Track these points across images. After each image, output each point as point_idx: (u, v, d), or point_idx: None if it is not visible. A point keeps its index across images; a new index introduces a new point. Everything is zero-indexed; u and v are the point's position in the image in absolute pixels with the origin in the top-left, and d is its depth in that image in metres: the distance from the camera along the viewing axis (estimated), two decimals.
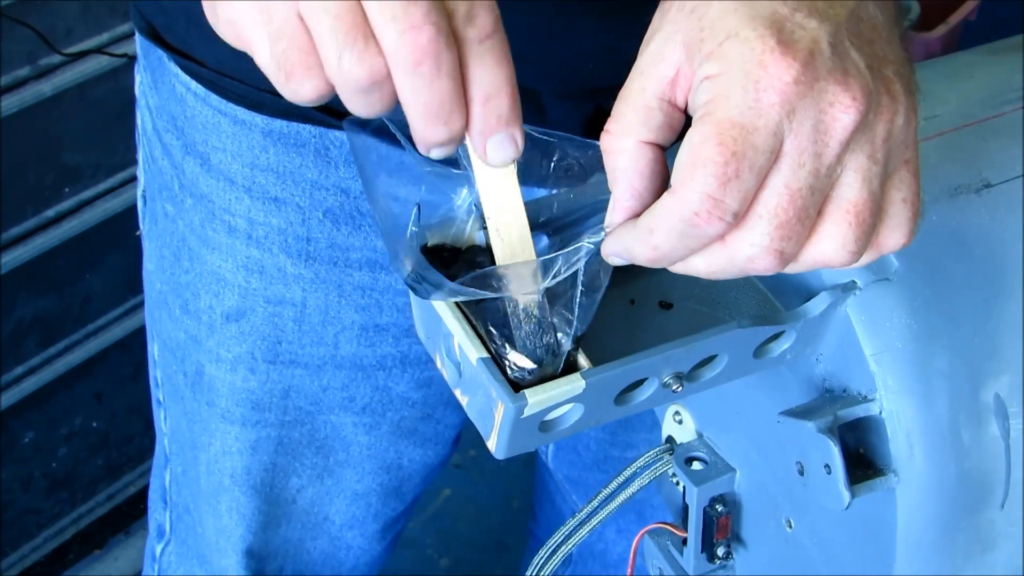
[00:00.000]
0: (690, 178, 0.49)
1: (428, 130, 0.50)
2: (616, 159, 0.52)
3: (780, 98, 0.48)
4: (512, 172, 0.55)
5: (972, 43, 0.79)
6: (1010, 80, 0.71)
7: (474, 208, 0.60)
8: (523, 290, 0.56)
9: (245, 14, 0.50)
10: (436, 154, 0.51)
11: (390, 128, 0.55)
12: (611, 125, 0.52)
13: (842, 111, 0.49)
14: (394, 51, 0.48)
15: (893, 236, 0.53)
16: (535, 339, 0.57)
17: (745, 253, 0.50)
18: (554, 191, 0.60)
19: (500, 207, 0.56)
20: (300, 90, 0.50)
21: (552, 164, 0.58)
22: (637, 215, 0.52)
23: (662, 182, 0.52)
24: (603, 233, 0.54)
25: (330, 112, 0.82)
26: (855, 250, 0.51)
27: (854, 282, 0.61)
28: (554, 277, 0.56)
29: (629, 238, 0.52)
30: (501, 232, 0.56)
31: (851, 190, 0.50)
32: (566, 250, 0.55)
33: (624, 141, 0.52)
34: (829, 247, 0.51)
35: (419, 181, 0.59)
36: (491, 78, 0.49)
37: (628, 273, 0.67)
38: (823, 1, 0.50)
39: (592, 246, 0.55)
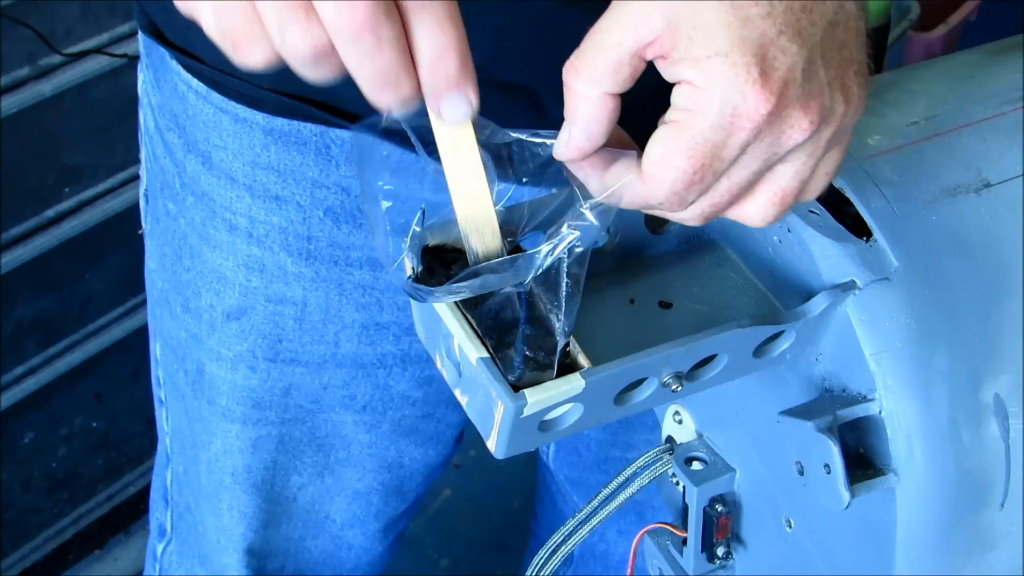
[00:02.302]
0: (662, 178, 0.53)
1: (377, 95, 0.51)
2: (579, 103, 0.54)
3: (752, 126, 0.52)
4: (471, 136, 0.55)
5: (972, 43, 0.79)
6: (1010, 80, 0.71)
7: None
8: (513, 282, 0.57)
9: None
10: (396, 113, 0.52)
11: (402, 128, 0.55)
12: (581, 68, 0.54)
13: (798, 132, 0.53)
14: (333, 25, 0.49)
15: (806, 197, 0.58)
16: (530, 334, 0.57)
17: (679, 216, 0.56)
18: (552, 190, 0.61)
19: (461, 174, 0.56)
20: (247, 60, 0.51)
21: (539, 164, 0.58)
22: (586, 153, 0.56)
23: (612, 125, 0.55)
24: (582, 215, 0.56)
25: (331, 110, 0.82)
26: (771, 220, 0.57)
27: (853, 282, 0.61)
28: (541, 266, 0.56)
29: (594, 180, 0.56)
30: (463, 203, 0.57)
31: (784, 178, 0.56)
32: (550, 241, 0.56)
33: (591, 90, 0.54)
34: (750, 212, 0.57)
35: (425, 183, 0.59)
36: (435, 42, 0.51)
37: (628, 273, 0.68)
38: (806, 17, 0.52)
39: (575, 232, 0.56)
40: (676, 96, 0.53)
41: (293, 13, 0.49)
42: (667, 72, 0.53)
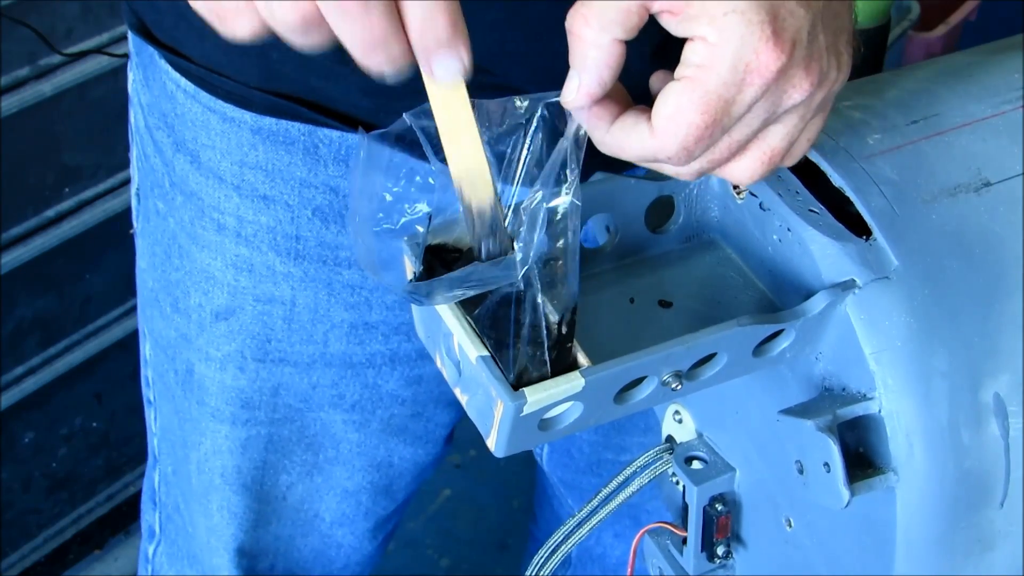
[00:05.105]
0: (673, 133, 0.55)
1: (367, 60, 0.51)
2: (588, 49, 0.55)
3: (762, 82, 0.54)
4: (463, 94, 0.55)
5: (972, 43, 0.79)
6: (1010, 80, 0.71)
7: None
8: (505, 281, 0.57)
9: None
10: (388, 78, 0.52)
11: (412, 134, 0.56)
12: (591, 16, 0.54)
13: (798, 93, 0.56)
14: None
15: (789, 162, 0.61)
16: (527, 332, 0.57)
17: (677, 171, 0.58)
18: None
19: (454, 130, 0.56)
20: (235, 32, 0.52)
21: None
22: (595, 99, 0.57)
23: (619, 73, 0.56)
24: (546, 192, 0.57)
25: (320, 110, 0.82)
26: (756, 179, 0.59)
27: (853, 281, 0.61)
28: (526, 261, 0.57)
29: (600, 130, 0.58)
30: (460, 167, 0.58)
31: (775, 138, 0.58)
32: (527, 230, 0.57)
33: (601, 35, 0.55)
34: (739, 170, 0.59)
35: (431, 188, 0.59)
36: (423, 4, 0.51)
37: (628, 272, 0.68)
38: None
39: (543, 206, 0.57)
40: (688, 52, 0.54)
41: None
42: (678, 28, 0.54)
